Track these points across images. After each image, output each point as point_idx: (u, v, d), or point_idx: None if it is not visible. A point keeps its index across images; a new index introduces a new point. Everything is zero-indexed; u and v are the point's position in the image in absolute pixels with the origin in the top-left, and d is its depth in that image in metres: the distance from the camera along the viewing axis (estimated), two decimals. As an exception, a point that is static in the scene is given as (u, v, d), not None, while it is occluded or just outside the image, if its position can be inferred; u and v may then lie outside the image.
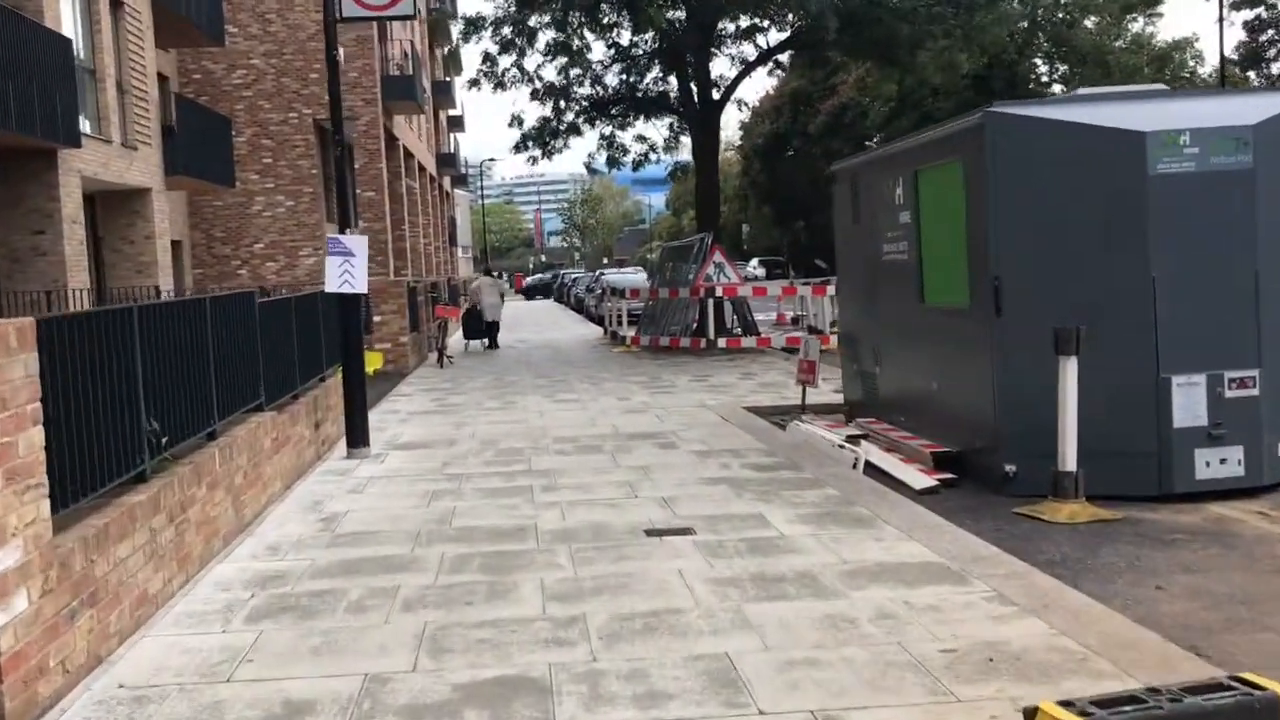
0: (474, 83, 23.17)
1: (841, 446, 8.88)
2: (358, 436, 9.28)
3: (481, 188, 72.30)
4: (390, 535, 6.54)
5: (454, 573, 5.68)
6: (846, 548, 5.93)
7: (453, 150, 56.06)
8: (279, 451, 7.86)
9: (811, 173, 56.13)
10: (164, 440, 5.54)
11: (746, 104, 24.98)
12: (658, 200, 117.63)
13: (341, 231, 9.33)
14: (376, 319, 17.05)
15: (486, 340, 23.04)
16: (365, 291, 9.38)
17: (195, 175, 23.27)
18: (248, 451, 6.98)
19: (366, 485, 8.13)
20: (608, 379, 15.58)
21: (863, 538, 6.14)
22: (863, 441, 9.16)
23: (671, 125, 23.32)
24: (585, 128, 23.30)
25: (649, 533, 6.41)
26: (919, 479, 8.03)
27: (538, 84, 22.10)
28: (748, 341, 19.52)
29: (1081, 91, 9.03)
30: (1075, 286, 7.37)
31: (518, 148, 23.27)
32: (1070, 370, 6.91)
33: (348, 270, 9.07)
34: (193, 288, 26.09)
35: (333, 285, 9.12)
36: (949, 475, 8.09)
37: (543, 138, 23.06)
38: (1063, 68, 42.13)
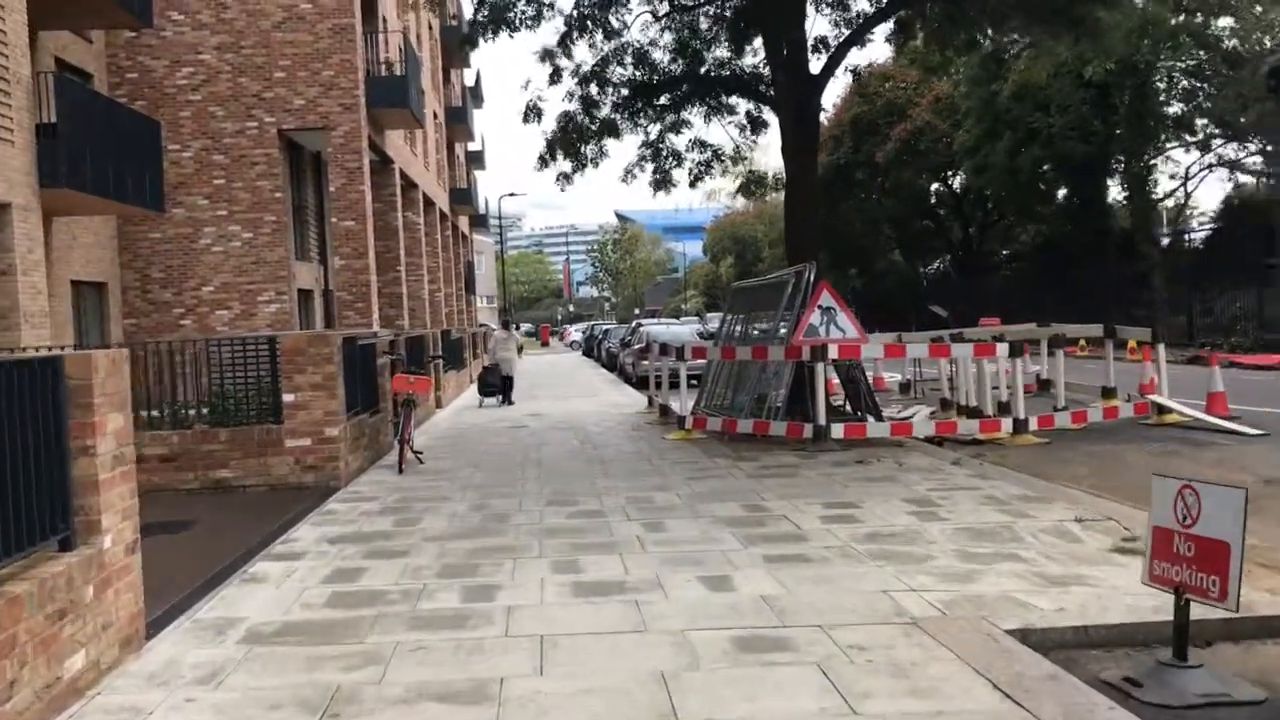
0: (468, 41, 16.64)
1: None
2: None
3: (501, 225, 66.21)
4: None
5: None
6: None
7: (469, 186, 49.85)
8: None
9: (869, 215, 49.42)
10: None
11: (862, 72, 17.83)
12: (692, 249, 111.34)
13: None
14: (289, 399, 10.36)
15: (501, 396, 22.26)
16: None
17: (94, 191, 16.83)
18: None
19: None
20: (673, 510, 8.79)
21: None
22: None
23: (749, 113, 16.69)
24: (625, 126, 16.72)
25: None
26: None
27: (560, 58, 15.56)
28: (875, 429, 12.69)
29: None
30: None
31: (543, 160, 16.72)
32: None
33: None
34: (122, 341, 19.66)
35: None
36: None
37: (569, 140, 16.47)
38: (1183, 83, 35.11)
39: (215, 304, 22.88)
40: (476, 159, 57.97)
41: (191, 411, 10.72)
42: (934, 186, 48.84)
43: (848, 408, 14.59)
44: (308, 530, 8.39)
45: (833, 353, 12.45)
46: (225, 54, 22.78)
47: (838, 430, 12.28)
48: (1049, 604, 5.74)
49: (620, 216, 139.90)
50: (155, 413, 10.60)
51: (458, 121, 45.29)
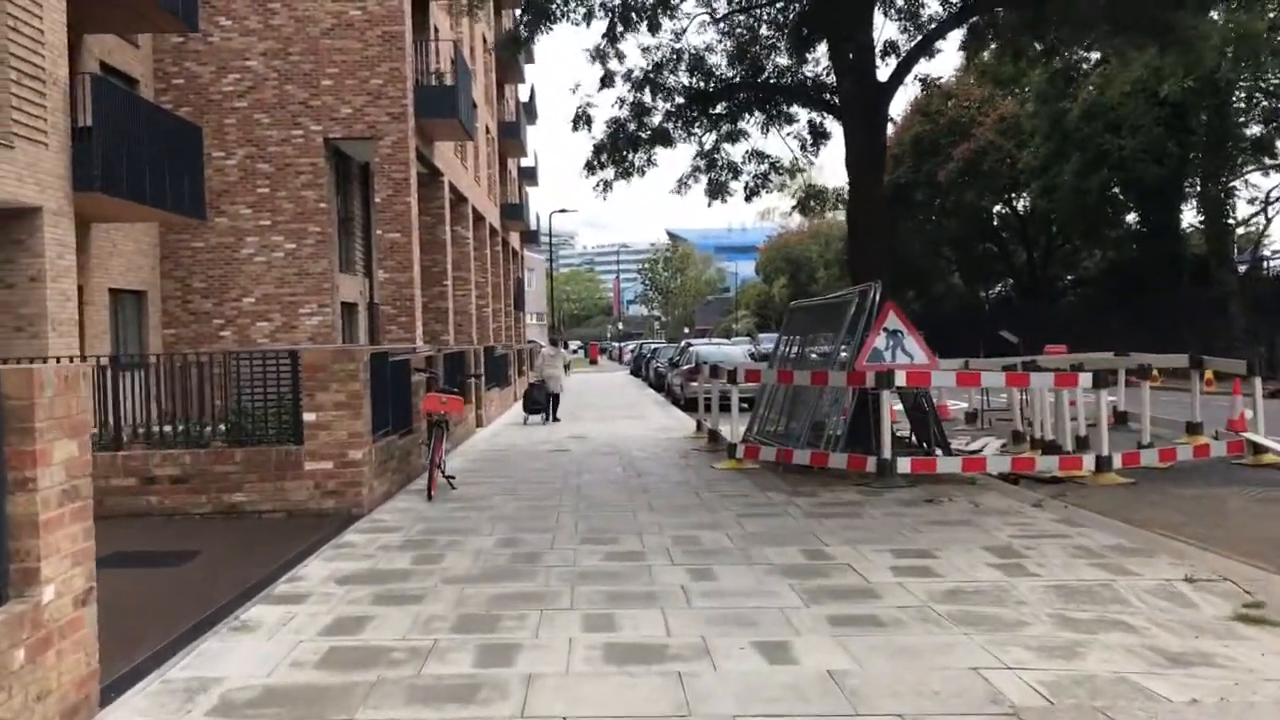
0: (515, 42, 15.90)
1: None
2: None
3: (551, 243, 65.78)
4: None
5: None
6: None
7: (520, 202, 49.32)
8: None
9: (929, 237, 48.02)
10: None
11: (930, 82, 16.20)
12: (744, 268, 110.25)
13: None
14: (310, 418, 9.60)
15: (545, 414, 22.22)
16: None
17: (130, 197, 16.35)
18: None
19: None
20: (723, 554, 7.86)
21: None
22: None
23: (810, 123, 15.77)
24: (679, 135, 15.89)
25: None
26: None
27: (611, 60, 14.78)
28: (946, 465, 11.64)
29: None
30: None
31: (590, 166, 15.99)
32: None
33: None
34: (161, 352, 19.05)
35: None
36: None
37: (617, 148, 15.67)
38: (1264, 103, 33.48)
39: (256, 315, 22.39)
40: (529, 175, 57.61)
41: (207, 429, 10.01)
42: (997, 208, 47.36)
43: (913, 439, 13.57)
44: (318, 566, 7.57)
45: (900, 379, 11.46)
46: (272, 61, 22.35)
47: (904, 465, 11.26)
48: (1176, 692, 4.73)
49: (672, 235, 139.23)
50: (168, 429, 9.91)
51: (511, 137, 44.85)
